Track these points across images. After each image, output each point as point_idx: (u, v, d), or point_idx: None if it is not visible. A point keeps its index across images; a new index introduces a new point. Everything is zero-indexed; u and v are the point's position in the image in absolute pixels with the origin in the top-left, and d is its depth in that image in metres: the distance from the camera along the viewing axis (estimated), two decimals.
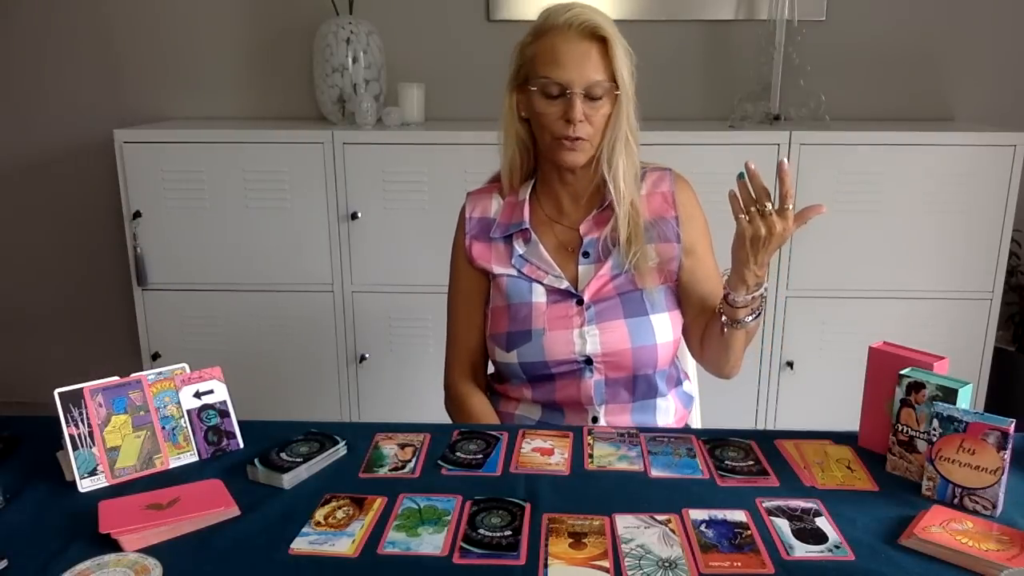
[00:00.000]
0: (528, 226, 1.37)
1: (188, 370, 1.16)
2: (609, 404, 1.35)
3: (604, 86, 1.27)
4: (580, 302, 1.34)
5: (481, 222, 1.42)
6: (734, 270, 1.23)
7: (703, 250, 1.38)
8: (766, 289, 1.27)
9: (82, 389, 1.08)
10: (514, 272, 1.37)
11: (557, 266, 1.36)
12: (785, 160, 1.16)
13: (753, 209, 1.17)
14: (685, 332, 1.41)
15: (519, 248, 1.38)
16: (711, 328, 1.34)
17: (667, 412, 1.38)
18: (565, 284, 1.35)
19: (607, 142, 1.31)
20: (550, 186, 1.39)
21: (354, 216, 2.25)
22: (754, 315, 1.27)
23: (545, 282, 1.36)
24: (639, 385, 1.35)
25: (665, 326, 1.35)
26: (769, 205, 1.16)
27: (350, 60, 2.34)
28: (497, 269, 1.39)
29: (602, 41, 1.26)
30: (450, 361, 1.48)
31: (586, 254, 1.36)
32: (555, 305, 1.35)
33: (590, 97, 1.27)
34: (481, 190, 1.45)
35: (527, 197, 1.39)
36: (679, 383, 1.44)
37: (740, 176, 1.17)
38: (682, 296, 1.39)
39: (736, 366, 1.36)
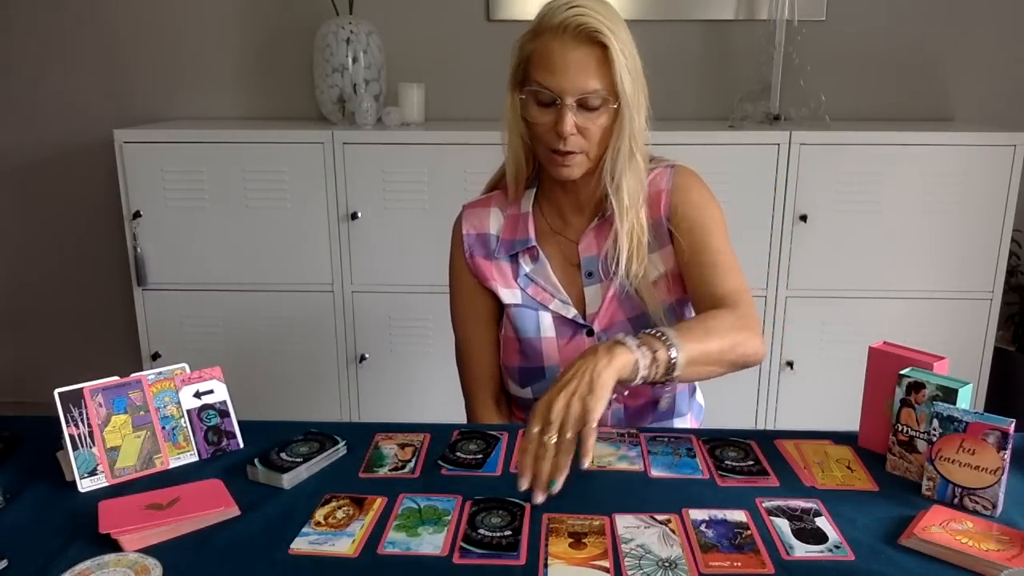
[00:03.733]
0: (535, 243, 1.29)
1: (188, 370, 1.16)
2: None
3: (601, 96, 1.15)
4: (591, 333, 1.28)
5: (480, 239, 1.33)
6: None
7: (701, 234, 1.23)
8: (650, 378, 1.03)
9: (82, 389, 1.08)
10: (518, 292, 1.30)
11: (563, 288, 1.29)
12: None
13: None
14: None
15: (526, 266, 1.30)
16: None
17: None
18: (573, 313, 1.28)
19: (608, 155, 1.19)
20: (552, 195, 1.31)
21: (354, 216, 2.25)
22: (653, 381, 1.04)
23: (551, 307, 1.29)
24: (660, 408, 1.32)
25: None
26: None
27: (350, 60, 2.34)
28: (502, 291, 1.31)
29: (602, 46, 1.14)
30: (473, 392, 1.37)
31: (589, 274, 1.28)
32: (566, 340, 1.28)
33: (585, 107, 1.16)
34: (478, 203, 1.36)
35: (530, 209, 1.31)
36: (693, 392, 1.40)
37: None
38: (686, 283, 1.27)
39: (748, 360, 1.14)
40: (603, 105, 1.16)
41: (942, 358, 1.06)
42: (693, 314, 1.33)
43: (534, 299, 1.30)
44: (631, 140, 1.18)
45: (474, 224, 1.34)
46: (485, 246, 1.33)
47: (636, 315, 1.28)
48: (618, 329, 1.27)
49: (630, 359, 0.99)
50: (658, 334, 1.04)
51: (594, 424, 0.93)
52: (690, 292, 1.27)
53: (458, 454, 1.12)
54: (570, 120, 1.15)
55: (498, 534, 0.93)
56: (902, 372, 1.05)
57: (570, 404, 0.94)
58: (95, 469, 1.06)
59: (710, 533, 0.93)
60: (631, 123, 1.17)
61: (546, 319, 1.29)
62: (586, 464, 0.93)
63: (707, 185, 1.29)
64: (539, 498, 0.93)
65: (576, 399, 0.94)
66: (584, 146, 1.18)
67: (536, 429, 0.94)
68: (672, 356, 1.02)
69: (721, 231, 1.25)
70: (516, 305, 1.30)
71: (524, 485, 0.93)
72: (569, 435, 0.93)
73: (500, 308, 1.33)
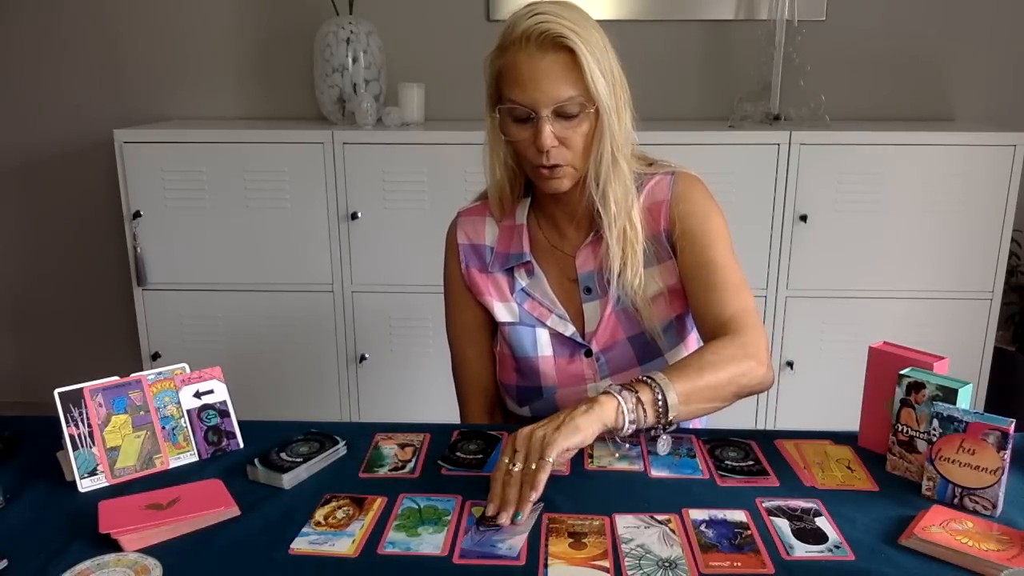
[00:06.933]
0: (530, 258, 1.25)
1: (188, 370, 1.16)
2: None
3: (577, 102, 1.10)
4: (589, 353, 1.25)
5: (475, 250, 1.30)
6: None
7: (702, 247, 1.19)
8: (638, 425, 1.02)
9: (82, 389, 1.08)
10: (515, 307, 1.27)
11: (561, 303, 1.26)
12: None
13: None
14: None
15: (521, 280, 1.27)
16: None
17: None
18: (571, 331, 1.25)
19: (592, 163, 1.15)
20: (546, 207, 1.27)
21: (354, 216, 2.25)
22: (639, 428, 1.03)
23: (549, 323, 1.25)
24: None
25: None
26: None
27: (350, 60, 2.34)
28: (498, 306, 1.28)
29: (570, 51, 1.08)
30: (466, 403, 1.36)
31: (588, 289, 1.25)
32: (565, 359, 1.26)
33: (563, 116, 1.11)
34: (472, 210, 1.32)
35: (525, 221, 1.26)
36: None
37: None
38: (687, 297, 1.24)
39: (758, 385, 1.13)
40: (581, 112, 1.12)
41: (942, 358, 1.06)
42: (694, 329, 1.31)
43: (531, 314, 1.27)
44: (612, 145, 1.14)
45: (469, 234, 1.31)
46: (480, 258, 1.30)
47: (636, 333, 1.25)
48: (619, 349, 1.25)
49: (611, 405, 1.00)
50: (645, 378, 1.04)
51: (549, 458, 0.94)
52: (692, 311, 1.23)
53: (458, 454, 1.12)
54: (548, 133, 1.11)
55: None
56: (902, 372, 1.05)
57: (532, 436, 0.97)
58: (95, 469, 1.06)
59: (710, 533, 0.93)
60: (611, 128, 1.13)
61: (543, 336, 1.26)
62: (533, 497, 0.93)
63: (709, 191, 1.24)
64: (503, 519, 0.93)
65: (539, 430, 0.97)
66: (568, 157, 1.14)
67: (505, 459, 0.97)
68: (659, 398, 1.03)
69: (724, 243, 1.21)
70: (511, 323, 1.28)
71: (491, 511, 0.94)
72: (527, 466, 0.95)
73: (496, 321, 1.30)
